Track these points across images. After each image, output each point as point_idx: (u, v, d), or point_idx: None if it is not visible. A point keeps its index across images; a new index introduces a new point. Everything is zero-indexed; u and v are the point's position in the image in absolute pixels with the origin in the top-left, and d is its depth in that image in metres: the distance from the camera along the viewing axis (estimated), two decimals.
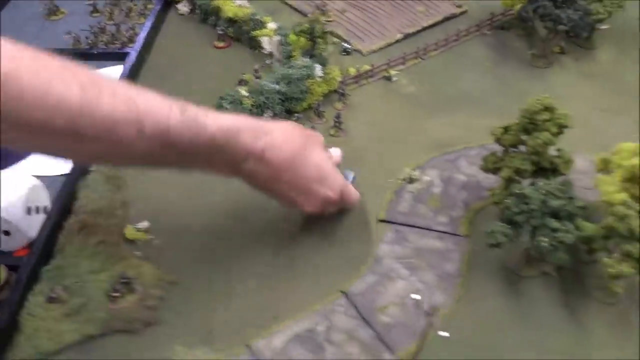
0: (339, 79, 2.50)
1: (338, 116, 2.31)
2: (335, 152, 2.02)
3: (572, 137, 2.27)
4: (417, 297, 1.60)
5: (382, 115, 2.43)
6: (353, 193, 1.95)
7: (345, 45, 2.78)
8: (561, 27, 2.47)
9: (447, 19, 2.98)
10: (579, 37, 2.63)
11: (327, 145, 1.97)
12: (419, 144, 2.29)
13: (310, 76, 2.38)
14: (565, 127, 1.76)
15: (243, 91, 2.31)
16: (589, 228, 1.68)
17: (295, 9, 3.07)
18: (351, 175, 2.05)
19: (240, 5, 2.81)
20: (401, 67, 2.67)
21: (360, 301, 1.76)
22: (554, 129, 1.73)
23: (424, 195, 2.08)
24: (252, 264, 1.89)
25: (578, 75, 2.63)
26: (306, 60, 2.43)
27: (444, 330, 1.68)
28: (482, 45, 2.80)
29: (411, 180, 2.12)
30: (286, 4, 3.12)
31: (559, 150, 1.83)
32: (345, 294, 1.79)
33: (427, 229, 1.97)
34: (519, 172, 1.81)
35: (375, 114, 2.44)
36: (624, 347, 1.68)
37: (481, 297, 1.79)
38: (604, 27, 2.73)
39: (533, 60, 2.67)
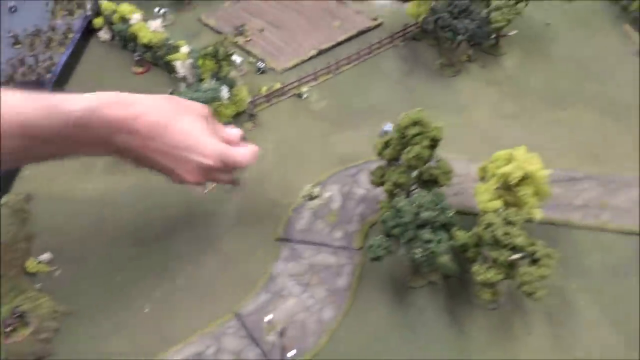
0: (249, 99, 2.55)
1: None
2: (234, 132, 1.94)
3: (472, 144, 2.34)
4: (270, 317, 1.65)
5: (291, 133, 2.48)
6: (238, 156, 1.85)
7: (260, 64, 2.82)
8: (459, 37, 2.53)
9: (362, 32, 3.03)
10: (480, 45, 2.69)
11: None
12: (323, 160, 2.34)
13: (216, 99, 2.42)
14: (439, 140, 1.81)
15: None
16: (461, 237, 1.74)
17: (216, 31, 3.12)
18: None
19: (154, 31, 2.85)
20: (313, 83, 2.72)
21: (250, 321, 1.81)
22: (426, 142, 1.78)
23: (323, 211, 2.13)
24: (151, 290, 1.93)
25: (483, 82, 2.69)
26: (213, 83, 2.47)
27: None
28: (394, 57, 2.85)
29: (312, 197, 2.17)
30: (207, 26, 3.17)
31: (438, 161, 1.88)
32: (237, 314, 1.83)
33: (323, 245, 2.02)
34: (398, 185, 1.86)
35: (283, 132, 2.49)
36: (504, 349, 1.74)
37: (369, 309, 1.85)
38: (511, 33, 2.79)
39: (442, 69, 2.73)
